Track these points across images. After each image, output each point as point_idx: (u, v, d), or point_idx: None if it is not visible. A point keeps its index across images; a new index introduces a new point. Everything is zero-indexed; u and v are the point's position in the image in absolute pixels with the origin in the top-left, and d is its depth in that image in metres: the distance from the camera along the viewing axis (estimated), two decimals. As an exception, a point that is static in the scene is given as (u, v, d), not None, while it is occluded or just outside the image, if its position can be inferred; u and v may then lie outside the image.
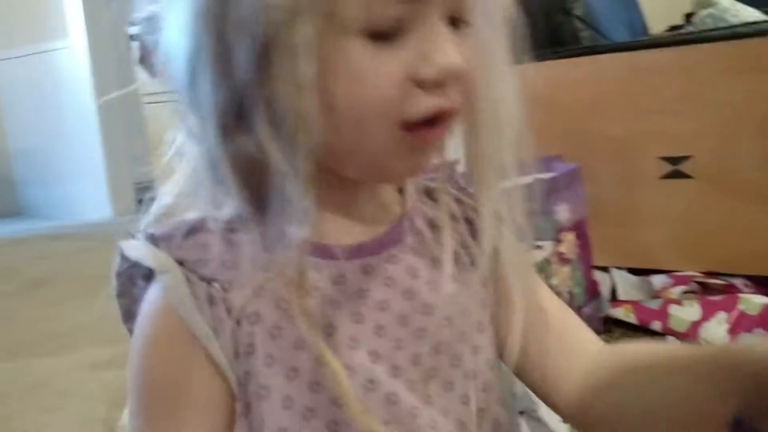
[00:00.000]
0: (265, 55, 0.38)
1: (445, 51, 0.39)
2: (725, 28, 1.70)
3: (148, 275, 0.42)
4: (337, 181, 0.44)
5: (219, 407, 0.42)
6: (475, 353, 0.47)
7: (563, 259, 1.50)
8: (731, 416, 0.39)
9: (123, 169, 3.82)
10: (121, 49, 3.47)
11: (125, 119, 3.80)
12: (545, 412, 1.07)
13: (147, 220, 0.45)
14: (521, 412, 1.09)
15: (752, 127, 1.49)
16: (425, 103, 0.39)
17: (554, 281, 1.49)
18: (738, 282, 1.55)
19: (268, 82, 0.38)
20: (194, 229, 0.43)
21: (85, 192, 3.98)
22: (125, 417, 1.19)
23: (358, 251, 0.45)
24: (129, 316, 0.44)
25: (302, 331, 0.40)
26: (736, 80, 1.49)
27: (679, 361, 0.44)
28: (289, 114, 0.38)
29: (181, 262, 0.41)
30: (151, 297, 0.42)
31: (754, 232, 1.52)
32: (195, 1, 0.39)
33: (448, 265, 0.46)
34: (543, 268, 1.48)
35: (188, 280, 0.41)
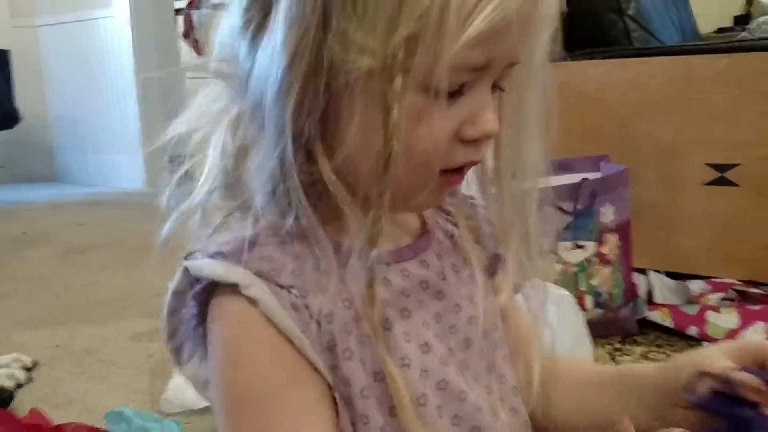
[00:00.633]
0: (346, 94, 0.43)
1: (488, 117, 0.45)
2: (782, 36, 1.69)
3: (205, 295, 0.45)
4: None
5: (324, 403, 0.45)
6: (495, 349, 0.54)
7: (604, 260, 1.51)
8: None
9: (159, 141, 3.86)
10: (164, 22, 3.50)
11: (165, 92, 3.85)
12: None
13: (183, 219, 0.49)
14: None
15: (804, 139, 1.48)
16: (464, 157, 0.46)
17: (594, 281, 1.50)
18: (777, 292, 1.55)
19: (340, 118, 0.43)
20: (252, 243, 0.45)
21: (121, 161, 4.04)
22: (169, 390, 1.23)
23: (397, 255, 0.50)
24: (174, 335, 0.47)
25: (367, 332, 0.45)
26: (791, 90, 1.48)
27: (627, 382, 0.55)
28: (367, 154, 0.43)
29: (258, 275, 0.44)
30: (232, 311, 0.44)
31: (797, 243, 1.52)
32: (298, 20, 0.41)
33: (478, 274, 0.54)
34: (584, 268, 1.49)
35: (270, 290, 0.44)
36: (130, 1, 3.79)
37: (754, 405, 0.45)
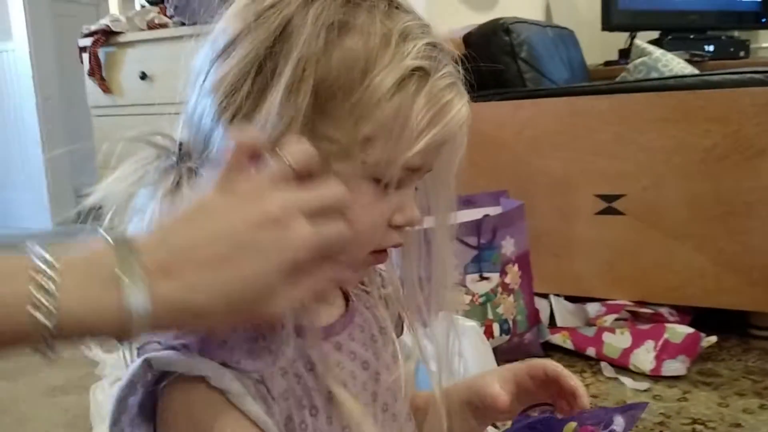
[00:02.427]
0: None
1: (413, 208, 0.53)
2: (656, 79, 1.86)
3: (155, 385, 0.46)
4: None
5: None
6: (404, 409, 0.60)
7: (508, 290, 1.61)
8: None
9: (64, 178, 3.77)
10: (67, 57, 3.43)
11: (68, 128, 3.76)
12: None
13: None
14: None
15: (679, 171, 1.64)
16: (391, 240, 0.53)
17: (500, 310, 1.60)
18: (664, 311, 1.70)
19: None
20: (211, 332, 0.46)
21: (24, 199, 3.90)
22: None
23: (331, 330, 0.55)
24: (117, 423, 0.48)
25: (317, 404, 0.50)
26: (666, 128, 1.64)
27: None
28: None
29: (224, 365, 0.46)
30: (198, 399, 0.45)
31: (678, 265, 1.68)
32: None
33: (395, 342, 0.60)
34: (490, 298, 1.59)
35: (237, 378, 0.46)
36: (29, 35, 3.70)
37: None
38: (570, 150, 1.75)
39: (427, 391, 0.70)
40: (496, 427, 1.30)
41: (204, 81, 0.50)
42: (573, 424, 0.58)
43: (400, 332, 0.64)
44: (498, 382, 0.62)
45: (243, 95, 0.47)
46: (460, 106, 0.50)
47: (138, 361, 0.47)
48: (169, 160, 0.52)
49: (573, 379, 0.60)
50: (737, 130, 1.57)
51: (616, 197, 1.72)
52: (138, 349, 0.48)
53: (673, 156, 1.64)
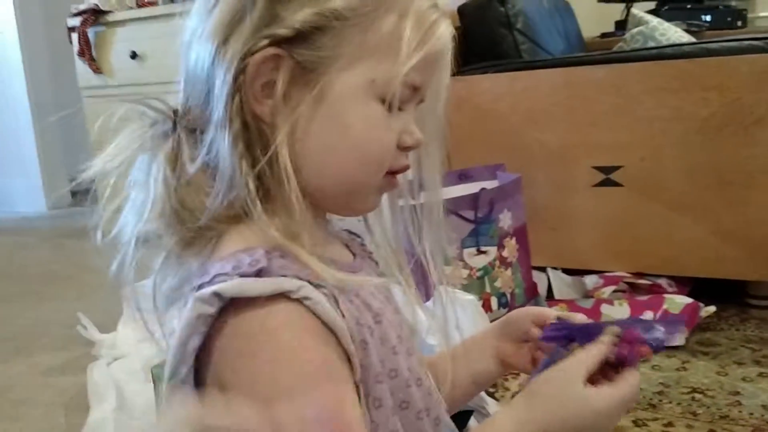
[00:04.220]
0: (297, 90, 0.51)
1: (416, 130, 0.56)
2: (653, 48, 1.83)
3: (214, 320, 0.47)
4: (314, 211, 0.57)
5: (354, 387, 0.50)
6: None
7: (506, 263, 1.60)
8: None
9: (58, 162, 3.74)
10: (56, 39, 3.38)
11: (60, 111, 3.71)
12: (493, 408, 1.16)
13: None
14: (471, 411, 1.18)
15: (677, 142, 1.62)
16: (403, 162, 0.57)
17: (497, 283, 1.59)
18: (663, 282, 1.69)
19: (294, 116, 0.51)
20: (268, 258, 0.48)
21: (17, 186, 3.87)
22: (88, 424, 1.23)
23: (353, 267, 0.59)
24: (176, 372, 0.49)
25: (371, 324, 0.54)
26: (663, 97, 1.62)
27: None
28: (321, 150, 0.52)
29: (298, 279, 0.48)
30: (280, 316, 0.47)
31: (676, 236, 1.67)
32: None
33: (410, 279, 0.64)
34: (488, 272, 1.58)
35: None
36: (17, 18, 3.65)
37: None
38: (567, 122, 1.73)
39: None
40: (495, 398, 1.30)
41: (202, 32, 0.52)
42: (615, 328, 0.60)
43: None
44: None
45: (247, 28, 0.50)
46: (445, 25, 0.54)
47: (206, 293, 0.46)
48: (166, 124, 0.53)
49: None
50: (736, 98, 1.55)
51: (614, 169, 1.70)
52: (195, 288, 0.48)
53: (670, 126, 1.62)
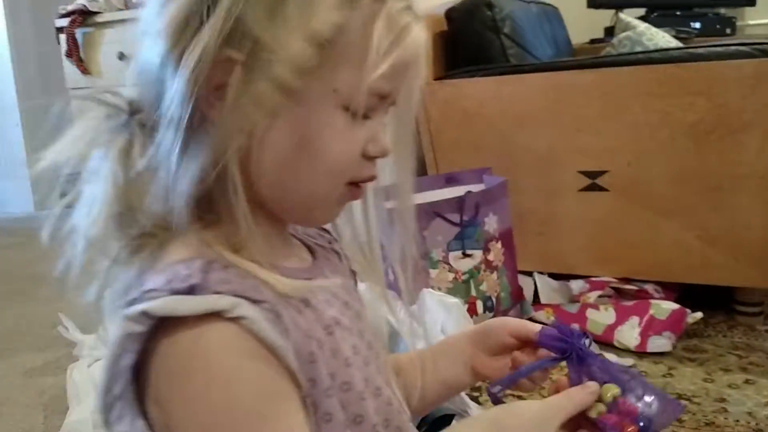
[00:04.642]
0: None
1: (384, 138, 0.53)
2: (641, 53, 1.83)
3: (145, 339, 0.44)
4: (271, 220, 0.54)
5: (301, 408, 0.47)
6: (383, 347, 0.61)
7: (491, 267, 1.59)
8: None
9: (40, 167, 3.70)
10: (45, 40, 3.36)
11: (49, 112, 3.68)
12: (476, 412, 1.15)
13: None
14: (453, 414, 1.17)
15: (663, 147, 1.62)
16: (367, 172, 0.53)
17: (483, 287, 1.58)
18: (649, 287, 1.68)
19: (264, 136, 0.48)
20: (205, 271, 0.45)
21: (6, 187, 3.84)
22: (66, 426, 1.20)
23: (310, 272, 0.56)
24: (110, 389, 0.45)
25: (322, 337, 0.51)
26: (651, 102, 1.61)
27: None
28: (278, 161, 0.49)
29: (235, 295, 0.45)
30: (211, 337, 0.44)
31: (664, 241, 1.66)
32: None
33: (360, 285, 0.62)
34: (473, 275, 1.57)
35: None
36: (6, 19, 3.62)
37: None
38: (554, 126, 1.72)
39: (396, 355, 0.70)
40: (478, 402, 1.28)
41: (153, 28, 0.48)
42: (615, 389, 0.57)
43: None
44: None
45: (194, 28, 0.46)
46: (418, 29, 0.51)
47: (135, 311, 0.44)
48: (120, 118, 0.51)
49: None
50: (723, 103, 1.54)
51: (600, 173, 1.69)
52: (127, 303, 0.45)
53: (657, 131, 1.62)
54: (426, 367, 0.68)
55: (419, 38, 0.51)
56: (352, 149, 0.51)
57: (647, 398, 0.57)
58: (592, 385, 0.58)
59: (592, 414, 0.56)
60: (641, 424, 0.55)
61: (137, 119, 0.50)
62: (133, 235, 0.49)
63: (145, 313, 0.43)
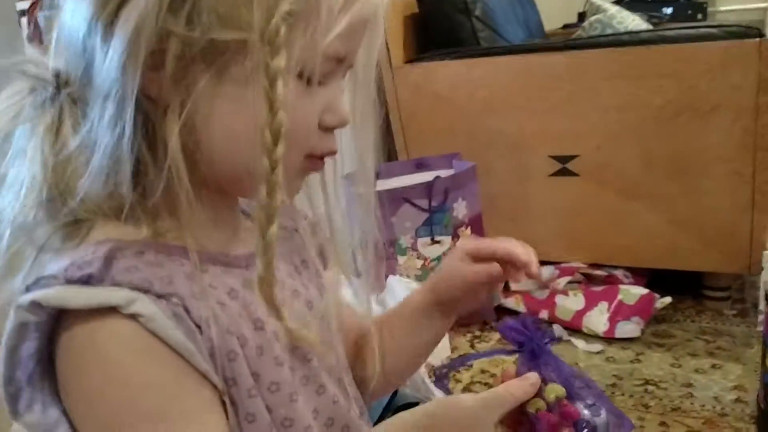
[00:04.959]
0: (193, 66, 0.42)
1: (342, 107, 0.49)
2: (611, 35, 1.81)
3: (51, 326, 0.41)
4: (221, 203, 0.50)
5: (213, 408, 0.44)
6: (337, 337, 0.58)
7: (460, 254, 1.57)
8: None
9: None
10: (8, 23, 3.27)
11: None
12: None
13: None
14: (418, 402, 1.15)
15: (632, 130, 1.60)
16: (328, 145, 0.49)
17: (451, 274, 1.55)
18: (619, 273, 1.67)
19: (202, 107, 0.43)
20: (111, 258, 0.42)
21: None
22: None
23: (250, 259, 0.49)
24: (11, 379, 0.43)
25: (247, 334, 0.46)
26: (620, 85, 1.60)
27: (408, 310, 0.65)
28: (240, 139, 0.44)
29: (134, 288, 0.41)
30: (109, 333, 0.41)
31: (633, 226, 1.65)
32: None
33: (322, 271, 0.58)
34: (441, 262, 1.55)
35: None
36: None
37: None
38: (524, 110, 1.70)
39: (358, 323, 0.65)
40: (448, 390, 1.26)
41: None
42: (561, 390, 0.55)
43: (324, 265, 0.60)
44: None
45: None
46: None
47: (25, 300, 0.40)
48: (46, 91, 0.46)
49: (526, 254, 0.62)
50: (691, 86, 1.53)
51: (570, 158, 1.68)
52: (27, 287, 0.42)
53: (626, 114, 1.60)
54: (393, 323, 0.65)
55: None
56: (308, 120, 0.47)
57: (596, 409, 0.55)
58: (532, 376, 0.55)
59: (530, 408, 0.54)
60: (584, 430, 0.54)
61: (66, 93, 0.46)
62: (64, 222, 0.45)
63: (36, 303, 0.40)
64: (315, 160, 0.50)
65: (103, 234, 0.44)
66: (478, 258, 0.62)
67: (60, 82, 0.46)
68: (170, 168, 0.43)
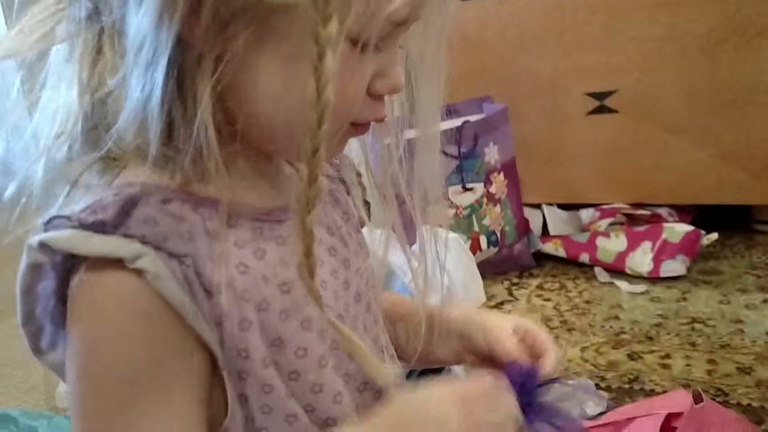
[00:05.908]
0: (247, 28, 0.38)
1: (398, 72, 0.44)
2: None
3: (67, 266, 0.40)
4: (259, 155, 0.46)
5: (201, 380, 0.42)
6: (375, 298, 0.54)
7: (494, 200, 1.53)
8: None
9: None
10: None
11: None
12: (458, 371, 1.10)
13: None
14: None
15: (672, 60, 1.52)
16: (370, 113, 0.45)
17: (486, 221, 1.52)
18: (663, 211, 1.61)
19: (249, 63, 0.40)
20: (132, 204, 0.40)
21: None
22: (63, 384, 1.19)
23: (285, 212, 0.46)
24: (30, 318, 0.42)
25: (268, 298, 0.43)
26: (655, 14, 1.51)
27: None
28: (285, 104, 0.41)
29: (144, 242, 0.39)
30: (112, 287, 0.40)
31: (675, 162, 1.58)
32: None
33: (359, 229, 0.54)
34: (475, 210, 1.51)
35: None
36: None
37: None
38: (556, 47, 1.63)
39: (404, 297, 0.63)
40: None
41: None
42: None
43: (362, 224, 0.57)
44: (508, 340, 0.56)
45: None
46: None
47: (34, 241, 0.39)
48: (85, 8, 0.42)
49: (549, 343, 0.57)
50: (735, 10, 1.44)
51: (608, 94, 1.61)
52: (44, 224, 0.40)
53: (665, 44, 1.52)
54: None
55: None
56: (357, 89, 0.42)
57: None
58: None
59: None
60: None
61: (108, 20, 0.41)
62: (99, 156, 0.43)
63: (46, 245, 0.39)
64: (360, 127, 0.46)
65: (134, 175, 0.42)
66: (521, 339, 0.56)
67: (95, 7, 0.42)
68: (199, 126, 0.39)
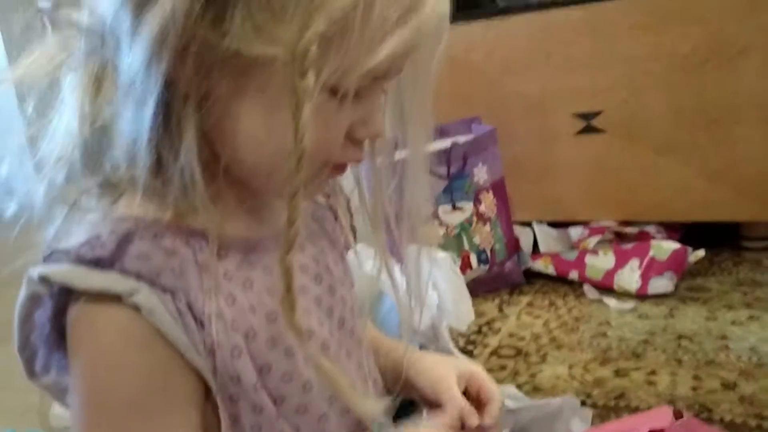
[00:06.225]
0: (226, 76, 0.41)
1: (378, 119, 0.46)
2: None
3: (64, 297, 0.42)
4: (246, 190, 0.48)
5: (196, 405, 0.44)
6: (359, 324, 0.56)
7: (483, 219, 1.55)
8: None
9: None
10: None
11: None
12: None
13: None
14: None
15: (658, 80, 1.55)
16: (350, 156, 0.47)
17: (476, 240, 1.54)
18: (651, 228, 1.63)
19: (230, 111, 0.42)
20: (127, 240, 0.42)
21: None
22: (57, 404, 1.19)
23: (277, 242, 0.48)
24: (26, 344, 0.44)
25: (255, 327, 0.45)
26: (642, 35, 1.54)
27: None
28: (263, 149, 0.43)
29: (139, 278, 0.41)
30: (108, 320, 0.41)
31: (664, 180, 1.60)
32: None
33: (345, 256, 0.56)
34: (465, 228, 1.53)
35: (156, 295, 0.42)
36: None
37: None
38: (544, 68, 1.66)
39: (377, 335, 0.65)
40: (472, 356, 1.25)
41: None
42: None
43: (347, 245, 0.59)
44: (453, 388, 0.60)
45: None
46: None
47: (35, 274, 0.41)
48: (92, 41, 0.44)
49: (493, 391, 0.61)
50: (718, 29, 1.47)
51: (595, 115, 1.63)
52: (44, 258, 0.43)
53: (650, 64, 1.55)
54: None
55: (439, 9, 0.41)
56: (334, 135, 0.44)
57: None
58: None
59: None
60: None
61: (105, 56, 0.43)
62: (97, 182, 0.45)
63: (45, 278, 0.41)
64: (338, 168, 0.48)
65: (128, 208, 0.44)
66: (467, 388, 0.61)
67: (107, 32, 0.43)
68: (183, 164, 0.41)
